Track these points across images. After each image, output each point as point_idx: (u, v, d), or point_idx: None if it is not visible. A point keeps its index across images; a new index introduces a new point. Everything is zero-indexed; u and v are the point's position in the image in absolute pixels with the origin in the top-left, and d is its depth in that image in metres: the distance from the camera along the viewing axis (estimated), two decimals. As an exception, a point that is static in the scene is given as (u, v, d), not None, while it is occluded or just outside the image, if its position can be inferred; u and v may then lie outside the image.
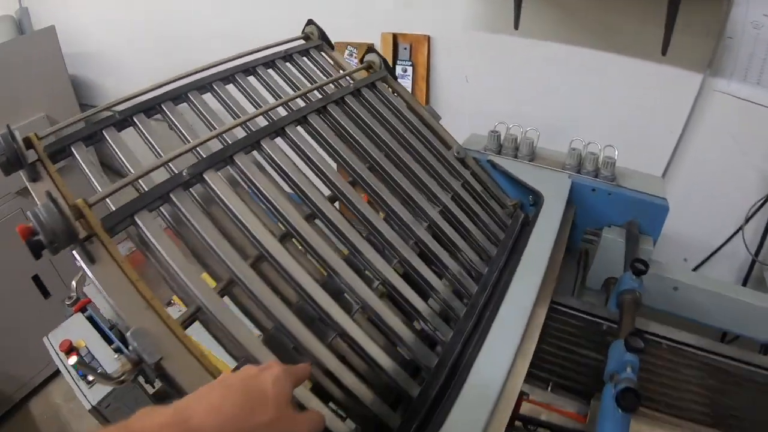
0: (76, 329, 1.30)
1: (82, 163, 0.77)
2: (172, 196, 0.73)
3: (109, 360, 1.21)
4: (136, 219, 0.69)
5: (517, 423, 0.83)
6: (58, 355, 1.29)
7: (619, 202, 1.14)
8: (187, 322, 0.67)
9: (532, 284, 0.88)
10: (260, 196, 0.82)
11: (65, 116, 0.90)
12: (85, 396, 1.15)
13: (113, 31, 2.45)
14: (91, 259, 0.65)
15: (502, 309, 0.84)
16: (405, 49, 1.68)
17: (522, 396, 0.83)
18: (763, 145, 1.54)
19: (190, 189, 0.77)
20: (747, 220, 1.59)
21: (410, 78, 1.74)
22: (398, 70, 1.73)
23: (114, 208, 0.70)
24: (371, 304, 0.79)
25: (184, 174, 0.75)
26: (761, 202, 1.56)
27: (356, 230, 0.86)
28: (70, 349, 1.25)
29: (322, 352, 0.71)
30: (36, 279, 1.93)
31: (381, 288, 0.84)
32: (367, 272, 0.84)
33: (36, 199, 0.71)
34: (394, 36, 1.69)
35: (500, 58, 1.55)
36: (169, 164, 0.77)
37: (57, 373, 2.10)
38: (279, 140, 0.91)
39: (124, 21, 2.41)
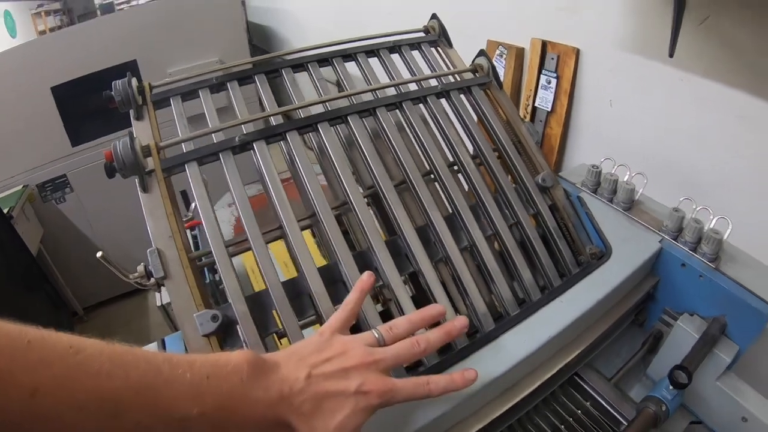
0: None
1: (175, 113, 0.99)
2: (221, 155, 0.90)
3: None
4: (186, 167, 0.88)
5: None
6: None
7: (710, 289, 0.97)
8: (195, 260, 0.85)
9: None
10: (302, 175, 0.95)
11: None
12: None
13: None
14: (144, 189, 0.86)
15: None
16: (552, 59, 1.62)
17: None
18: None
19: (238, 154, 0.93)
20: None
21: (553, 91, 1.67)
22: (542, 80, 1.68)
23: (185, 151, 0.91)
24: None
25: (237, 140, 0.91)
26: None
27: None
28: None
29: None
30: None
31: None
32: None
33: (136, 134, 0.94)
34: (543, 43, 1.63)
35: (646, 87, 1.38)
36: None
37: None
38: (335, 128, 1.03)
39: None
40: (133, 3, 3.84)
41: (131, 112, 0.97)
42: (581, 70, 1.55)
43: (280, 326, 0.81)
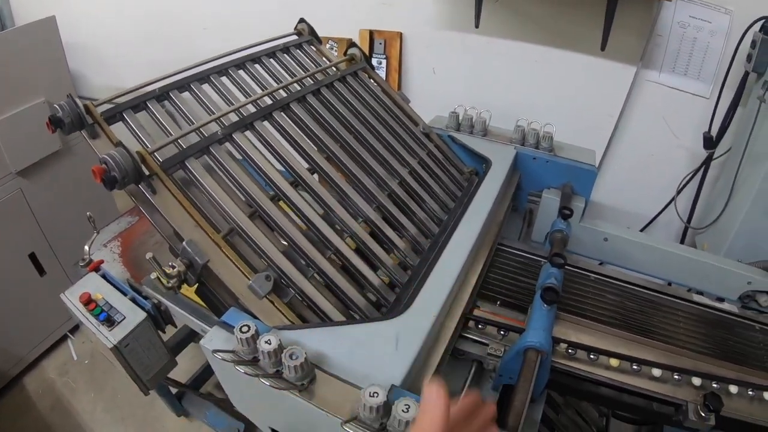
0: (92, 286, 1.49)
1: (133, 125, 1.12)
2: (211, 148, 1.09)
3: (127, 307, 1.45)
4: (186, 163, 1.05)
5: (471, 323, 1.19)
6: (76, 306, 1.51)
7: (556, 168, 1.53)
8: (226, 237, 1.03)
9: (476, 223, 1.25)
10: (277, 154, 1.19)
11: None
12: (107, 337, 1.42)
13: (106, 25, 2.78)
14: (153, 191, 1.00)
15: (452, 240, 1.20)
16: (380, 44, 2.07)
17: (474, 304, 1.22)
18: (690, 127, 1.97)
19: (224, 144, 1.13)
20: (678, 192, 2.02)
21: (384, 69, 2.12)
22: (374, 62, 2.11)
23: (161, 160, 1.05)
24: (358, 233, 1.16)
25: (219, 134, 1.11)
26: (690, 176, 1.99)
27: (351, 176, 1.23)
28: (89, 301, 1.50)
29: (323, 263, 1.07)
30: (32, 257, 2.22)
31: (365, 225, 1.21)
32: (352, 214, 1.22)
33: (97, 152, 1.00)
34: (371, 32, 2.07)
35: (462, 53, 1.96)
36: (199, 130, 1.14)
37: (51, 348, 2.40)
38: (281, 114, 1.28)
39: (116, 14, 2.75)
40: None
41: (83, 132, 1.04)
42: (406, 49, 2.05)
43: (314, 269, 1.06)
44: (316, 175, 1.24)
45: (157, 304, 1.44)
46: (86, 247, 1.72)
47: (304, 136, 1.27)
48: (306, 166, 1.23)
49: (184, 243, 0.94)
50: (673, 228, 2.11)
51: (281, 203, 1.13)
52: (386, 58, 2.09)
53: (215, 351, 0.86)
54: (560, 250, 1.29)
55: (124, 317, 1.38)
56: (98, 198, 2.44)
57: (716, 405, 1.04)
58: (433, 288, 1.05)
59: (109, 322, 1.39)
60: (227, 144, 1.14)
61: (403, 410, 0.74)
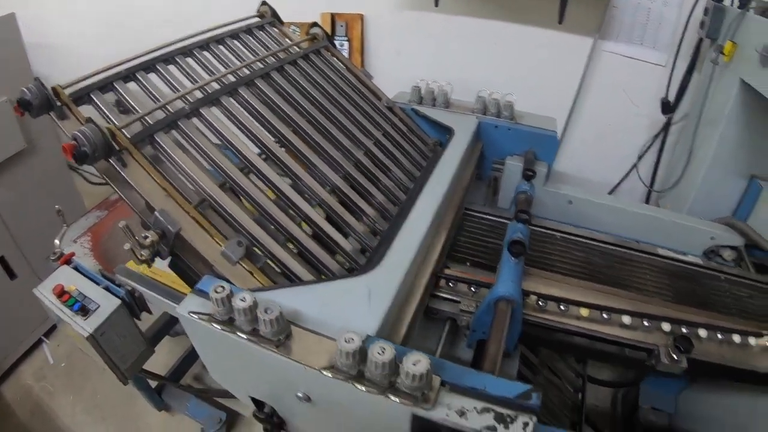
0: (64, 278, 1.49)
1: (100, 104, 1.13)
2: (179, 123, 1.12)
3: (101, 296, 1.44)
4: (155, 137, 1.07)
5: (442, 282, 1.24)
6: (50, 299, 1.50)
7: (517, 135, 1.59)
8: (197, 208, 1.05)
9: (441, 187, 1.29)
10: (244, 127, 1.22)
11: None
12: (83, 327, 1.42)
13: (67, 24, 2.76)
14: (124, 164, 1.02)
15: (418, 203, 1.23)
16: (341, 26, 2.11)
17: (445, 266, 1.26)
18: (648, 95, 2.05)
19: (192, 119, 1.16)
20: (640, 158, 2.10)
21: (347, 52, 2.16)
22: (336, 44, 2.16)
23: (129, 136, 1.07)
24: (327, 201, 1.20)
25: (186, 108, 1.14)
26: (650, 142, 2.08)
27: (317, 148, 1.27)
28: (62, 293, 1.49)
29: (294, 229, 1.10)
30: (2, 260, 2.19)
31: (334, 194, 1.25)
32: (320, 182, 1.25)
33: (66, 133, 1.02)
34: (332, 15, 2.11)
35: (422, 32, 2.01)
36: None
37: (26, 354, 2.37)
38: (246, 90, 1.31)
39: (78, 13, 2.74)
40: None
41: (52, 114, 1.06)
42: (368, 30, 2.09)
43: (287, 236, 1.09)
44: (283, 149, 1.27)
45: (131, 291, 1.44)
46: (56, 241, 1.72)
47: (270, 111, 1.30)
48: (273, 139, 1.26)
49: (156, 212, 0.96)
50: (636, 193, 2.20)
51: (251, 176, 1.16)
52: (348, 40, 2.14)
53: (191, 312, 0.88)
54: (525, 209, 1.34)
55: (99, 306, 1.38)
56: (66, 196, 2.43)
57: (686, 346, 1.09)
58: (401, 247, 1.09)
59: (84, 311, 1.39)
60: (195, 119, 1.17)
61: (378, 352, 0.76)
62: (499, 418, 0.77)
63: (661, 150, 2.06)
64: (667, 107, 1.95)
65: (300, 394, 0.88)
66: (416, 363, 0.75)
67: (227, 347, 0.91)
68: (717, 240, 1.55)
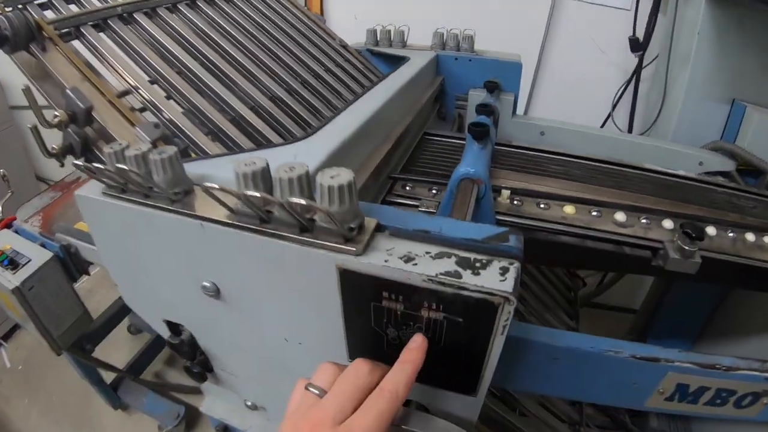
0: (2, 242, 1.38)
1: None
2: (110, 22, 1.06)
3: (34, 252, 1.32)
4: (82, 29, 1.02)
5: (398, 187, 1.12)
6: None
7: (479, 66, 1.53)
8: (118, 97, 0.96)
9: (390, 88, 1.17)
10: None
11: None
12: (9, 280, 1.30)
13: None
14: (44, 49, 0.95)
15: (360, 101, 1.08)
16: (300, -7, 2.07)
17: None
18: (616, 41, 2.00)
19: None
20: (614, 106, 2.04)
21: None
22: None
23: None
24: (265, 105, 1.12)
25: (119, 10, 1.07)
26: (622, 89, 2.02)
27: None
28: None
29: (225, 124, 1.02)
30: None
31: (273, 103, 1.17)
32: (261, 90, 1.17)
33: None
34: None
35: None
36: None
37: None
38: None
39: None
40: None
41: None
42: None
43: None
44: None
45: (66, 246, 1.34)
46: (-1, 206, 1.63)
47: (216, 32, 1.24)
48: (216, 54, 1.19)
49: (67, 90, 0.88)
50: (615, 145, 2.12)
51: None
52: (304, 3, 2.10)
53: (75, 164, 0.66)
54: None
55: (30, 260, 1.29)
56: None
57: (698, 232, 0.89)
58: (343, 123, 0.95)
59: (13, 265, 1.30)
60: (129, 26, 1.10)
61: (285, 170, 0.57)
62: (464, 263, 0.56)
63: (635, 95, 1.99)
64: (637, 44, 1.90)
65: (207, 284, 0.71)
66: (335, 176, 0.54)
67: (122, 231, 0.73)
68: (706, 165, 1.45)
